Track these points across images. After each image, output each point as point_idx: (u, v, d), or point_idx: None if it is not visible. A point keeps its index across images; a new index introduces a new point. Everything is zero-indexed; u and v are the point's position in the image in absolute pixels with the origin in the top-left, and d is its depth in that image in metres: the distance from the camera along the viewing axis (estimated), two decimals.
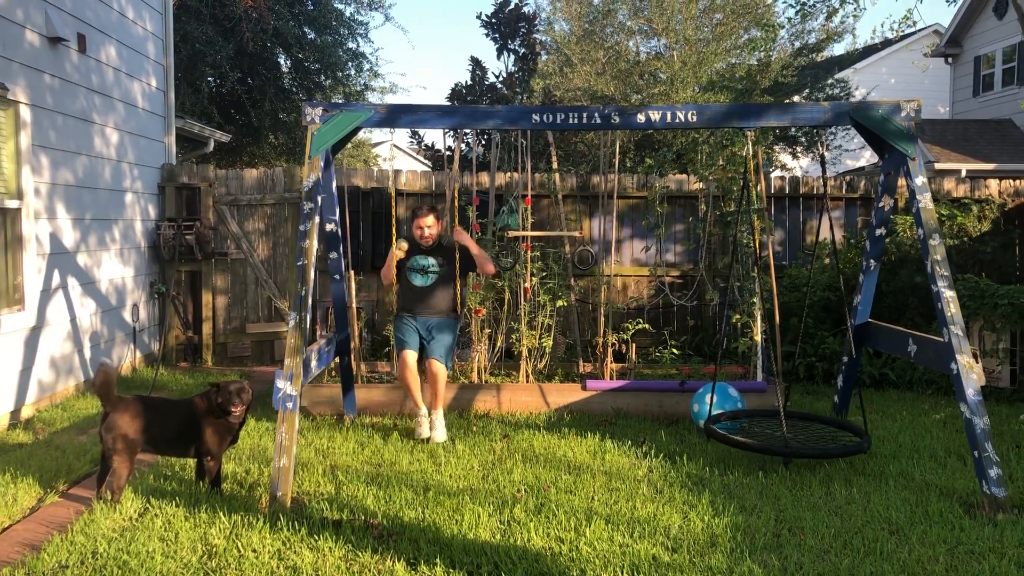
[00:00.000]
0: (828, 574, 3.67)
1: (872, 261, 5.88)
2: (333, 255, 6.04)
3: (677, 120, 5.39)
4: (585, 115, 5.44)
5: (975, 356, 4.77)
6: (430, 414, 6.01)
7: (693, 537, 4.06)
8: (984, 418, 4.60)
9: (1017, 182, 9.50)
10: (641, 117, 5.40)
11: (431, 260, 6.13)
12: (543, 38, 18.57)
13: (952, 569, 3.71)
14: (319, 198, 5.23)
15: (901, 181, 5.65)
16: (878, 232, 5.80)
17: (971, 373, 4.69)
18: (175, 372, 8.51)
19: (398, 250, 6.00)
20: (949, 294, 4.87)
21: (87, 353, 7.53)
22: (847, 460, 5.33)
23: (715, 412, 5.86)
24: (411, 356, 5.98)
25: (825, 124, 5.39)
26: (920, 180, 5.14)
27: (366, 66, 16.28)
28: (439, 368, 5.95)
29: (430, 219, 6.11)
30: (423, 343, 6.11)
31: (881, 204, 5.71)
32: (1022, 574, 3.65)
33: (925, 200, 5.10)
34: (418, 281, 6.11)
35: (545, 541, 4.00)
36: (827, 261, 8.73)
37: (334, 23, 15.19)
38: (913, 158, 5.18)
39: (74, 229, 7.29)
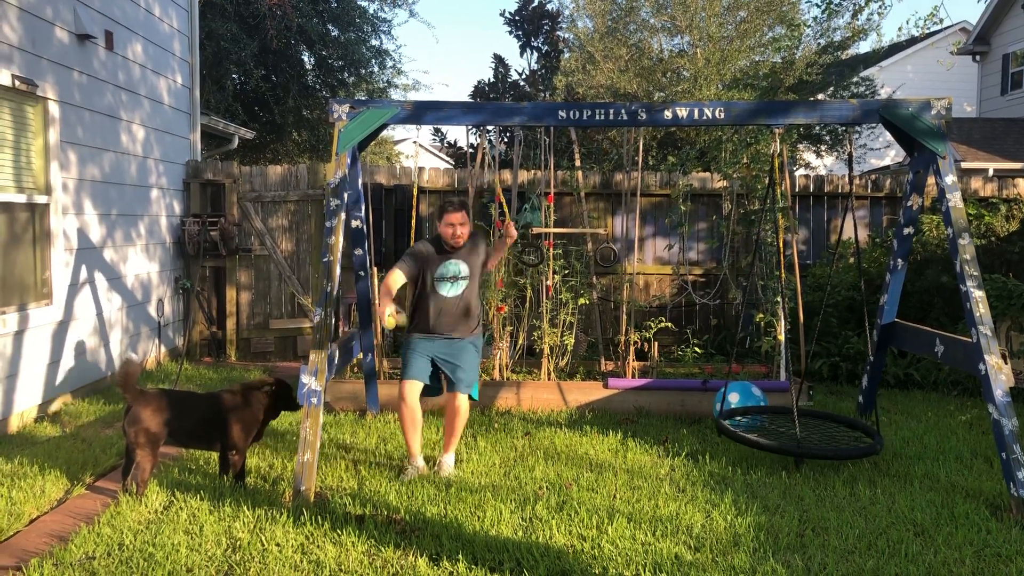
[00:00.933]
0: (853, 574, 3.64)
1: (900, 260, 5.82)
2: (358, 251, 6.06)
3: (704, 117, 5.36)
4: (612, 111, 5.43)
5: (1004, 357, 4.72)
6: (429, 462, 5.19)
7: (716, 536, 4.04)
8: (1012, 420, 4.55)
9: None
10: (668, 114, 5.38)
11: (462, 266, 5.07)
12: (566, 35, 18.53)
13: (978, 572, 3.68)
14: (345, 195, 5.25)
15: (929, 179, 5.59)
16: (906, 231, 5.74)
17: (1000, 374, 4.64)
18: (199, 367, 8.58)
19: (390, 319, 4.73)
20: (978, 294, 4.82)
21: (113, 347, 7.60)
22: (871, 461, 5.29)
23: (732, 408, 5.85)
24: (415, 389, 5.00)
25: (853, 122, 5.35)
26: (950, 179, 5.09)
27: (389, 63, 16.35)
28: (465, 404, 5.06)
29: (461, 215, 5.02)
30: (438, 371, 5.10)
31: (909, 203, 5.65)
32: None
33: (955, 199, 5.05)
34: (447, 291, 5.02)
35: (567, 539, 4.00)
36: (851, 260, 8.66)
37: (357, 20, 15.25)
38: (943, 156, 5.13)
39: (100, 224, 7.36)
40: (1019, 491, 4.42)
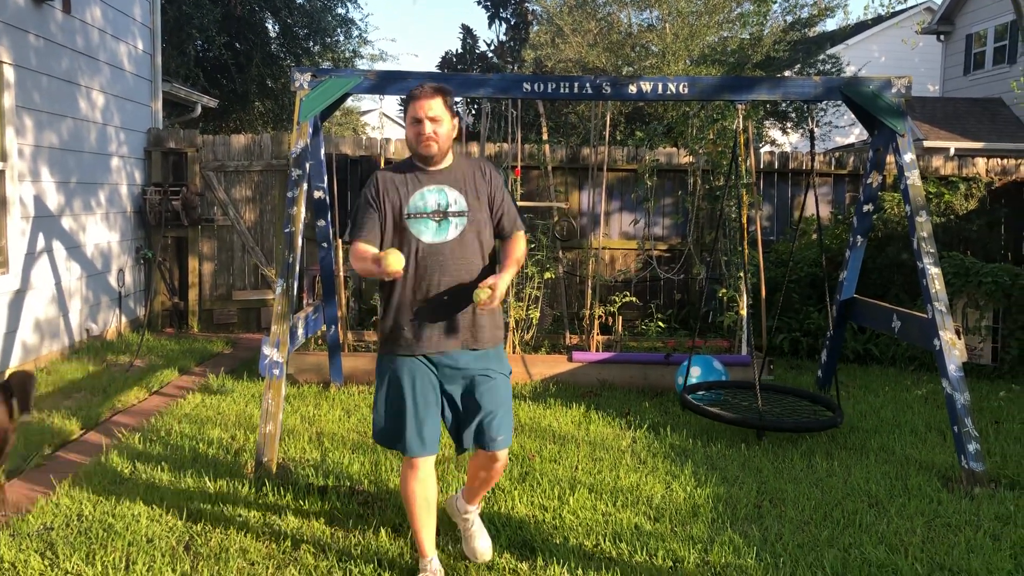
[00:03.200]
0: (807, 545, 3.72)
1: (859, 237, 5.90)
2: (321, 223, 6.01)
3: (669, 91, 5.37)
4: (576, 85, 5.41)
5: (958, 333, 4.81)
6: (461, 529, 3.59)
7: (675, 507, 4.10)
8: (965, 394, 4.65)
9: (1004, 161, 9.53)
10: (633, 88, 5.38)
11: (452, 193, 3.23)
12: (535, 8, 18.42)
13: (928, 541, 3.77)
14: (307, 165, 5.20)
15: (890, 158, 5.66)
16: (866, 208, 5.82)
17: (953, 350, 4.73)
18: (160, 338, 8.49)
19: (389, 268, 3.03)
20: (934, 271, 4.90)
21: (72, 317, 7.50)
22: (828, 434, 5.39)
23: (695, 382, 5.92)
24: (425, 467, 3.24)
25: (816, 99, 5.39)
26: (909, 157, 5.16)
27: (355, 32, 16.14)
28: (501, 461, 3.30)
29: (436, 102, 3.17)
30: (453, 416, 3.28)
31: (869, 180, 5.72)
32: (996, 546, 3.70)
33: (913, 177, 5.12)
34: (431, 234, 3.18)
35: (529, 509, 4.03)
36: (814, 237, 8.75)
37: None
38: (903, 135, 5.19)
39: (59, 192, 7.23)
40: (970, 463, 4.53)
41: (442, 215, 3.19)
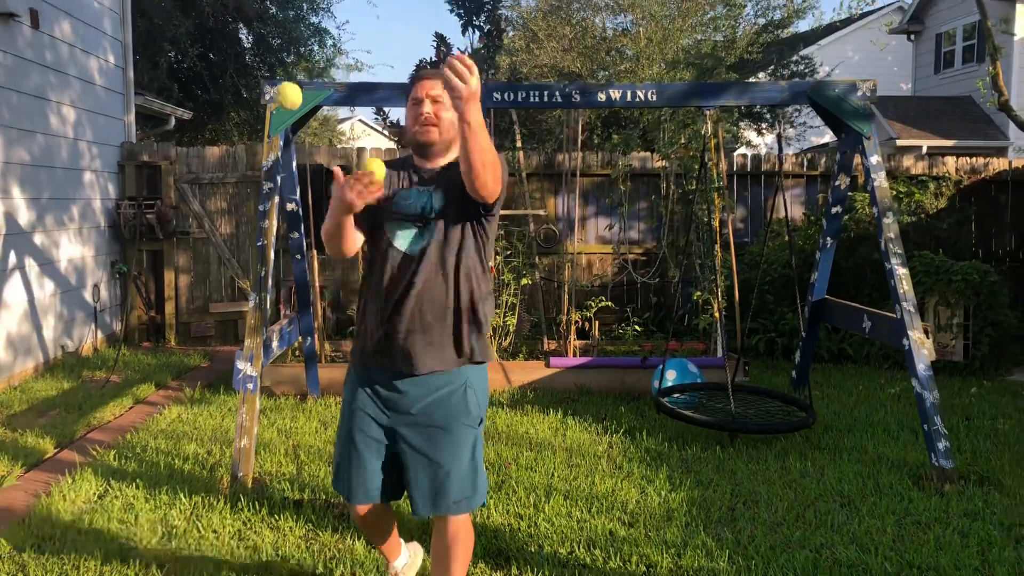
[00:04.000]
0: (780, 546, 3.76)
1: (829, 239, 5.97)
2: (295, 235, 6.01)
3: (638, 99, 5.41)
4: (546, 93, 5.45)
5: (926, 332, 4.88)
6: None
7: (650, 511, 4.13)
8: (934, 392, 4.71)
9: (973, 160, 9.65)
10: (602, 96, 5.42)
11: (435, 198, 2.79)
12: (509, 14, 18.48)
13: (899, 539, 3.82)
14: (279, 177, 5.20)
15: (858, 159, 5.73)
16: (834, 210, 5.88)
17: (922, 349, 4.79)
18: (137, 352, 8.45)
19: (364, 178, 2.57)
20: (902, 271, 4.96)
21: (47, 334, 7.45)
22: (803, 434, 5.44)
23: (670, 385, 5.96)
24: (374, 510, 2.94)
25: (783, 103, 5.45)
26: (875, 159, 5.22)
27: (329, 42, 16.12)
28: (465, 529, 2.87)
29: (440, 85, 2.75)
30: (402, 468, 2.82)
31: (837, 183, 5.79)
32: (965, 543, 3.76)
33: (880, 179, 5.18)
34: (405, 243, 2.78)
35: (504, 517, 4.05)
36: (787, 239, 8.83)
37: None
38: (868, 137, 5.26)
39: (30, 209, 7.18)
40: (939, 461, 4.59)
41: (422, 222, 2.75)
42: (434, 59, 17.37)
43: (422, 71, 2.84)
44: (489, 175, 2.55)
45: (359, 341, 2.87)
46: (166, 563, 3.55)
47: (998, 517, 4.05)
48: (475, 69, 2.35)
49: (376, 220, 2.81)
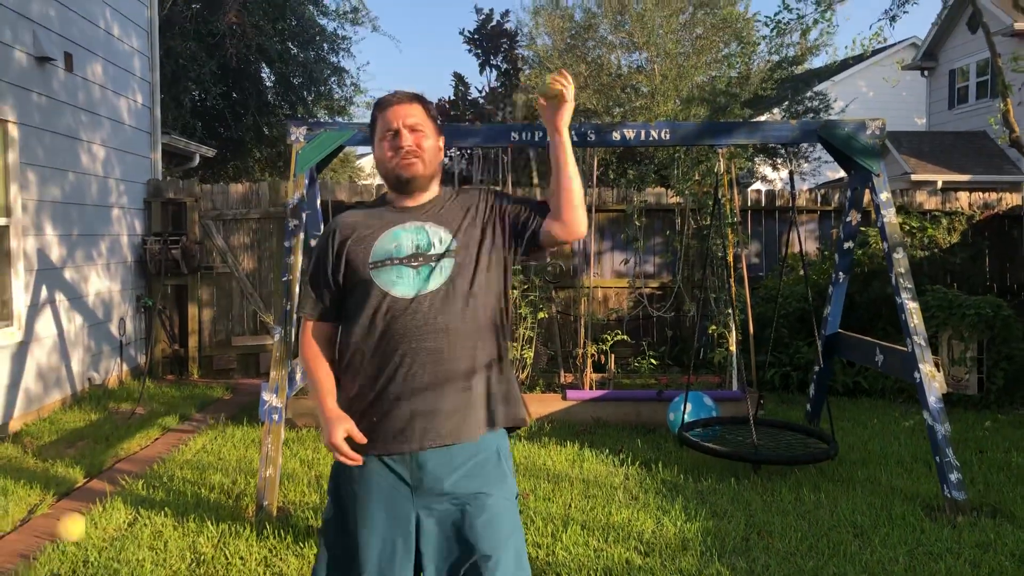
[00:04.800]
0: (793, 575, 3.83)
1: (841, 274, 6.07)
2: None
3: (651, 137, 5.57)
4: None
5: (937, 365, 4.96)
6: None
7: (665, 541, 4.21)
8: (945, 424, 4.78)
9: (986, 195, 9.74)
10: (616, 135, 5.58)
11: (436, 231, 2.41)
12: (526, 52, 18.79)
13: (911, 569, 3.88)
14: (304, 215, 5.37)
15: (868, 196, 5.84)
16: (846, 245, 5.99)
17: (933, 382, 4.87)
18: (161, 385, 8.61)
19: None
20: (912, 305, 5.06)
21: (75, 367, 7.63)
22: (817, 467, 5.50)
23: (689, 420, 6.04)
24: None
25: (793, 141, 5.60)
26: (885, 195, 5.34)
27: (348, 81, 16.45)
28: None
29: (414, 108, 2.43)
30: (434, 564, 2.27)
31: (848, 219, 5.90)
32: (976, 573, 3.82)
33: (889, 215, 5.29)
34: (406, 286, 2.34)
35: None
36: (801, 273, 8.93)
37: (317, 39, 15.36)
38: (878, 174, 5.38)
39: (61, 245, 7.40)
40: (952, 492, 4.65)
41: (422, 259, 2.34)
42: (452, 98, 17.69)
43: (389, 97, 2.44)
44: (582, 207, 2.34)
45: (349, 403, 2.37)
46: None
47: (1009, 548, 4.11)
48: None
49: (361, 278, 2.36)
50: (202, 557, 4.00)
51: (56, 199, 7.28)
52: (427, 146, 2.41)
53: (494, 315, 2.42)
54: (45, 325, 7.11)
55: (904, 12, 8.93)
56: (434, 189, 2.49)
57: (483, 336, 2.37)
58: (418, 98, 2.47)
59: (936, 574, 3.82)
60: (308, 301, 2.47)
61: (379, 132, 2.42)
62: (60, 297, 7.38)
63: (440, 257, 2.35)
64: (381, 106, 2.43)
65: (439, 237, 2.38)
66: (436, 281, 2.34)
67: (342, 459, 2.26)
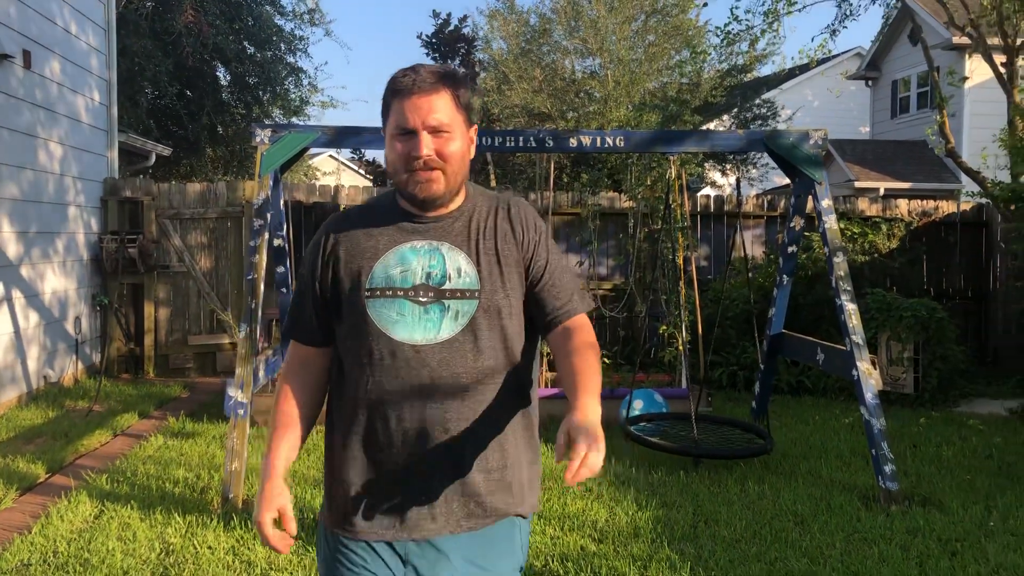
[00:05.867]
0: (738, 560, 4.06)
1: (785, 276, 6.35)
2: (280, 269, 6.28)
3: (606, 144, 5.79)
4: (521, 138, 5.81)
5: (873, 363, 5.25)
6: None
7: (618, 529, 4.43)
8: (881, 419, 5.07)
9: (924, 203, 10.17)
10: (573, 141, 5.79)
11: (454, 256, 1.88)
12: (481, 56, 18.99)
13: (847, 553, 4.15)
14: (268, 215, 5.49)
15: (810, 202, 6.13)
16: (790, 250, 6.27)
17: (869, 379, 5.16)
18: (118, 383, 8.62)
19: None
20: (851, 307, 5.35)
21: (30, 364, 7.62)
22: (762, 460, 5.77)
23: (637, 414, 6.28)
24: None
25: (741, 150, 5.88)
26: (826, 203, 5.62)
27: (305, 81, 16.49)
28: None
29: (440, 102, 1.82)
30: None
31: (792, 224, 6.19)
32: (906, 555, 4.10)
33: (830, 221, 5.58)
34: (405, 331, 1.84)
35: None
36: (750, 275, 9.24)
37: (274, 39, 15.38)
38: (820, 182, 5.66)
39: (18, 242, 7.39)
40: (886, 483, 4.94)
41: (432, 295, 1.84)
42: None
43: (406, 79, 1.84)
44: None
45: (336, 495, 1.93)
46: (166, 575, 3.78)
47: (937, 533, 4.40)
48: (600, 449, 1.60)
49: (354, 305, 1.87)
50: (171, 547, 4.11)
51: (14, 197, 7.28)
52: (453, 152, 1.84)
53: (521, 377, 1.92)
54: (1, 322, 7.10)
55: (844, 27, 9.32)
56: (461, 196, 1.93)
57: (506, 404, 1.88)
58: (446, 79, 1.86)
59: (869, 557, 4.08)
60: (296, 325, 1.98)
61: (391, 126, 1.86)
62: (16, 294, 7.38)
63: (456, 295, 1.84)
64: (395, 92, 1.85)
65: (458, 266, 1.86)
66: (449, 327, 1.83)
67: (268, 545, 1.86)
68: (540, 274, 1.91)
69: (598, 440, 1.61)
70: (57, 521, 4.44)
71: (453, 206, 1.92)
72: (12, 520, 4.57)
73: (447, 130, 1.83)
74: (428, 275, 1.86)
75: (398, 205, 1.93)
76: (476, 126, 1.96)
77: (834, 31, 9.81)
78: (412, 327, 1.83)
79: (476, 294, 1.85)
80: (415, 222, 1.90)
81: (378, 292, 1.86)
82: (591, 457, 1.58)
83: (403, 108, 1.82)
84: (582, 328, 1.91)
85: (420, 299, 1.84)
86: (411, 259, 1.87)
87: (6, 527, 4.46)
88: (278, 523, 1.86)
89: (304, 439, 1.99)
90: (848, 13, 9.48)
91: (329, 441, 1.97)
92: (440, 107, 1.83)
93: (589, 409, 1.71)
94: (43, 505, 4.77)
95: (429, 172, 1.83)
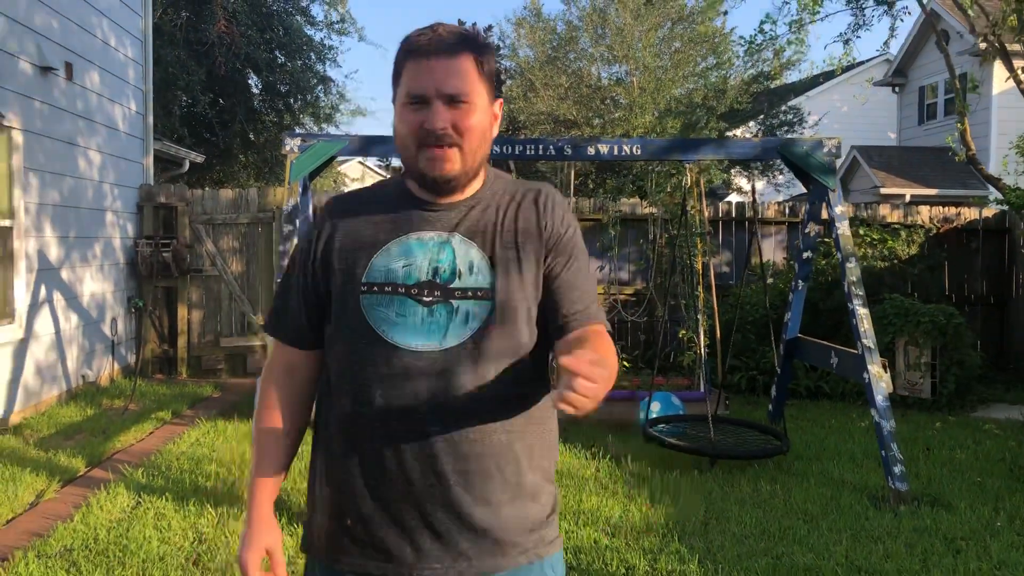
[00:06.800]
0: (745, 555, 4.21)
1: (800, 282, 6.47)
2: None
3: (624, 152, 5.96)
4: (541, 147, 5.99)
5: (884, 367, 5.37)
6: None
7: (631, 524, 4.59)
8: (891, 421, 5.19)
9: (946, 209, 10.21)
10: (591, 150, 5.97)
11: (459, 249, 1.63)
12: (507, 64, 19.20)
13: (852, 549, 4.28)
14: (297, 220, 5.72)
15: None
16: (805, 255, 6.40)
17: (880, 381, 5.28)
18: (152, 383, 8.90)
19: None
20: (862, 311, 5.47)
21: (69, 364, 7.92)
22: (775, 461, 5.90)
23: (655, 416, 6.43)
24: None
25: (756, 158, 6.02)
26: (839, 209, 5.75)
27: (334, 89, 16.81)
28: None
29: (459, 64, 1.59)
30: None
31: (807, 230, 6.32)
32: (910, 552, 4.22)
33: (843, 227, 5.71)
34: (403, 334, 1.60)
35: None
36: (770, 281, 9.35)
37: (304, 48, 15.70)
38: (833, 190, 5.79)
39: (59, 246, 7.70)
40: (895, 483, 5.05)
41: (439, 294, 1.61)
42: None
43: (422, 37, 1.61)
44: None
45: (319, 521, 1.73)
46: (199, 561, 4.00)
47: (943, 532, 4.52)
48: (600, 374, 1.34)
49: (347, 303, 1.65)
50: (204, 535, 4.33)
51: (56, 202, 7.58)
52: (471, 126, 1.60)
53: (537, 394, 1.68)
54: (43, 323, 7.40)
55: (858, 37, 9.46)
56: (479, 180, 1.71)
57: (518, 425, 1.64)
58: (468, 42, 1.62)
59: (874, 553, 4.21)
60: (279, 320, 1.75)
61: (401, 93, 1.62)
62: (58, 296, 7.67)
63: (466, 295, 1.61)
64: (408, 52, 1.62)
65: (469, 262, 1.62)
66: (455, 332, 1.59)
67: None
68: (559, 270, 1.65)
69: (605, 368, 1.37)
70: (97, 511, 4.68)
71: (469, 191, 1.68)
72: (55, 510, 4.82)
73: (466, 100, 1.59)
74: (435, 271, 1.61)
75: (406, 189, 1.69)
76: (501, 100, 1.69)
77: (847, 40, 9.91)
78: (413, 330, 1.59)
79: (489, 295, 1.60)
80: (424, 209, 1.66)
81: (376, 288, 1.61)
82: (595, 371, 1.31)
83: (416, 72, 1.59)
84: (601, 335, 1.62)
85: (424, 298, 1.59)
86: (417, 252, 1.63)
87: (50, 516, 4.70)
88: (266, 564, 1.68)
89: (289, 461, 1.76)
90: (861, 23, 9.57)
91: (314, 459, 1.73)
92: (459, 73, 1.59)
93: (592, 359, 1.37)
94: (83, 496, 5.02)
95: (443, 148, 1.59)
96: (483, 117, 1.63)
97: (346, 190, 10.90)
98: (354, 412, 1.63)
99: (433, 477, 1.58)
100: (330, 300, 1.67)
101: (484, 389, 1.58)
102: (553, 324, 1.65)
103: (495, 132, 1.70)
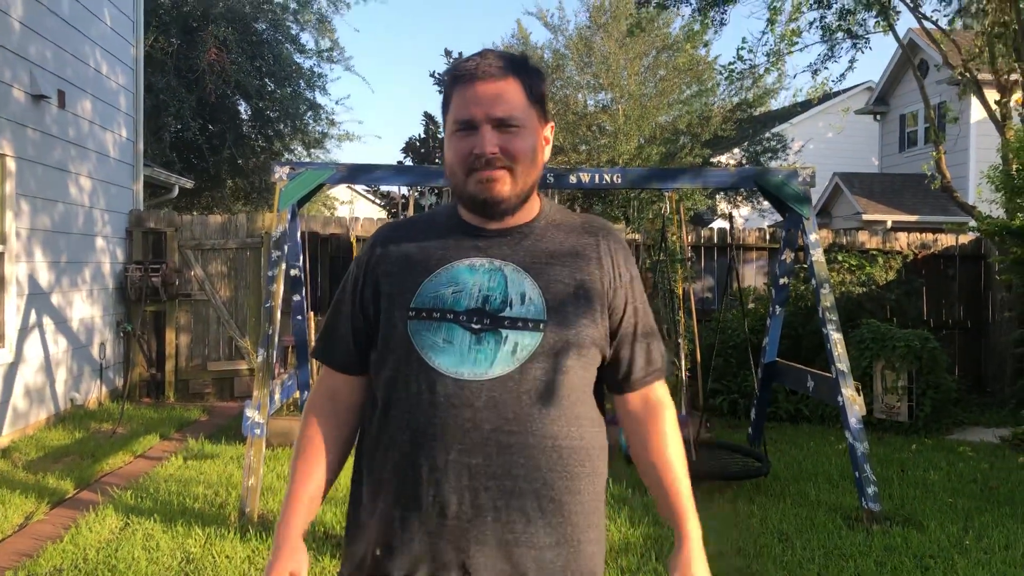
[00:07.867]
0: (721, 573, 4.31)
1: (777, 307, 6.63)
2: (296, 297, 6.63)
3: (604, 181, 6.11)
4: None
5: (857, 390, 5.51)
6: None
7: (610, 544, 4.69)
8: (864, 443, 5.32)
9: (924, 236, 10.42)
10: (573, 178, 6.12)
11: (511, 277, 1.62)
12: None
13: (824, 567, 4.40)
14: (286, 247, 5.84)
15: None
16: (782, 281, 6.57)
17: (853, 405, 5.42)
18: (139, 407, 8.97)
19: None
20: (836, 336, 5.62)
21: (58, 387, 7.99)
22: (754, 483, 6.02)
23: None
24: None
25: (733, 187, 6.19)
26: (813, 237, 5.92)
27: (323, 116, 16.99)
28: None
29: (508, 88, 1.60)
30: None
31: (783, 257, 6.48)
32: (880, 570, 4.35)
33: (817, 254, 5.87)
34: (450, 361, 1.58)
35: None
36: (752, 306, 9.51)
37: (294, 75, 15.90)
38: (808, 218, 5.96)
39: (50, 271, 7.79)
40: (868, 504, 5.18)
41: (488, 322, 1.59)
42: (422, 136, 18.26)
43: (470, 64, 1.62)
44: None
45: (357, 553, 1.68)
46: None
47: (912, 550, 4.64)
48: None
49: (396, 328, 1.63)
50: (191, 556, 4.42)
51: (47, 228, 7.69)
52: (522, 149, 1.60)
53: (585, 434, 1.66)
54: (33, 347, 7.48)
55: (825, 68, 9.76)
56: (531, 206, 1.69)
57: (565, 464, 1.61)
58: (517, 67, 1.63)
59: (845, 571, 4.34)
60: (329, 346, 1.76)
61: (450, 122, 1.63)
62: (47, 321, 7.76)
63: (516, 325, 1.58)
64: (456, 78, 1.62)
65: (522, 291, 1.60)
66: (503, 361, 1.57)
67: None
68: (627, 323, 1.68)
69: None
70: (86, 531, 4.76)
71: (522, 218, 1.66)
72: (44, 531, 4.89)
73: (516, 124, 1.59)
74: (485, 299, 1.59)
75: (458, 215, 1.69)
76: (552, 124, 1.70)
77: (815, 71, 10.19)
78: (459, 358, 1.56)
79: (541, 326, 1.58)
80: (475, 235, 1.65)
81: (424, 313, 1.60)
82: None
83: (464, 98, 1.59)
84: (668, 403, 1.77)
85: (473, 326, 1.58)
86: (467, 278, 1.61)
87: (39, 537, 4.78)
88: None
89: (327, 489, 1.72)
90: (830, 55, 9.86)
91: (354, 491, 1.69)
92: (508, 97, 1.59)
93: (695, 547, 1.74)
94: (72, 518, 5.09)
95: (493, 171, 1.58)
96: (533, 140, 1.63)
97: (334, 215, 10.96)
98: (395, 442, 1.60)
99: (470, 515, 1.55)
100: (378, 325, 1.66)
101: (528, 424, 1.56)
102: (615, 378, 1.73)
103: (546, 157, 1.69)
